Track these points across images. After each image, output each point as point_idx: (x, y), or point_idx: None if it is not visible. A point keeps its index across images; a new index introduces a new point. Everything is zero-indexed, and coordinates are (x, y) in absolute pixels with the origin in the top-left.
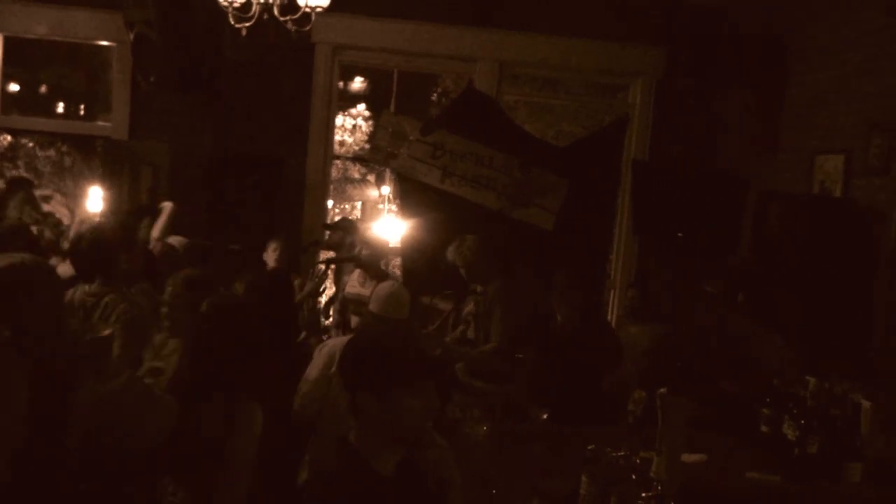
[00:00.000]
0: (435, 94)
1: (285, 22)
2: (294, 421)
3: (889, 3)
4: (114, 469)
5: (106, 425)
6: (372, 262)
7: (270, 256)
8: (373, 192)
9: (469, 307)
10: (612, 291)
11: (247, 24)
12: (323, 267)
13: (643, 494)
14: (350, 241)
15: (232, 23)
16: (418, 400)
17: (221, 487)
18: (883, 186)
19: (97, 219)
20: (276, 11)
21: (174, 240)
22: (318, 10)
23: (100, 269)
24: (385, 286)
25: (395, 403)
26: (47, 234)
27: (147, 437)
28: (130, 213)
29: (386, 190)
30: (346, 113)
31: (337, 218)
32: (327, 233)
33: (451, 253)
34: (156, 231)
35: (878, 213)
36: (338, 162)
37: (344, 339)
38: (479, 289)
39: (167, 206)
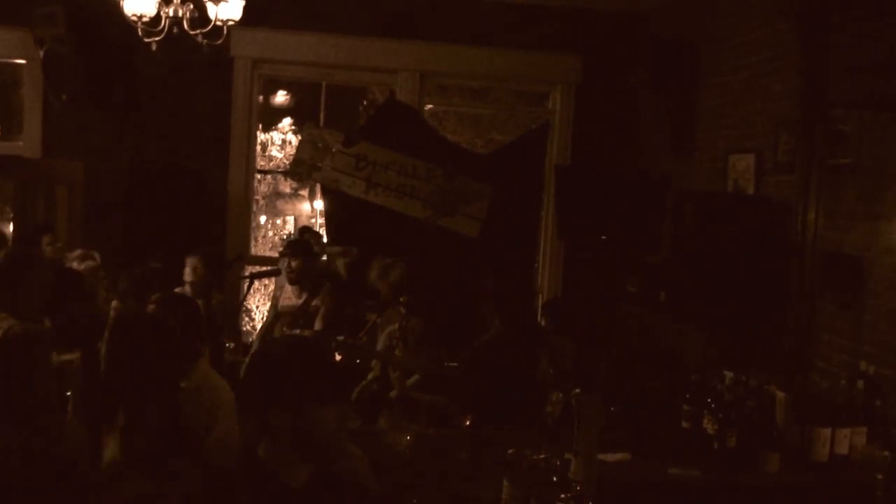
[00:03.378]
0: (363, 106)
1: (196, 36)
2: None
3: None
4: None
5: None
6: (308, 277)
7: (188, 274)
8: (305, 207)
9: (392, 328)
10: (539, 296)
11: (157, 39)
12: (248, 282)
13: (562, 496)
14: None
15: (141, 37)
16: (331, 412)
17: None
18: (791, 182)
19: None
20: (186, 25)
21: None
22: (231, 23)
23: None
24: None
25: (307, 418)
26: None
27: (67, 458)
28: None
29: (319, 204)
30: (273, 128)
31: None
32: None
33: (374, 277)
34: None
35: (787, 208)
36: (268, 177)
37: None
38: (402, 298)
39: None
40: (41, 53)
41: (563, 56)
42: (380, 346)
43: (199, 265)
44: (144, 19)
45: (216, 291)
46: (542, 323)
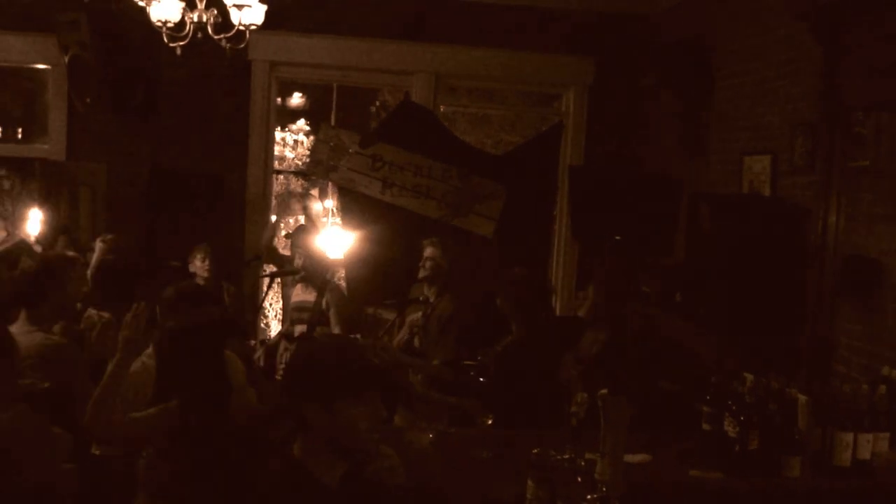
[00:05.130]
0: (374, 108)
1: (220, 40)
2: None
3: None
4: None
5: None
6: (314, 274)
7: (198, 266)
8: (316, 206)
9: (415, 316)
10: (554, 296)
11: (181, 44)
12: (267, 281)
13: (588, 497)
14: None
15: (166, 42)
16: (365, 410)
17: None
18: (808, 184)
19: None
20: (210, 30)
21: None
22: (252, 27)
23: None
24: None
25: (342, 415)
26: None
27: (33, 472)
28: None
29: (329, 203)
30: (286, 129)
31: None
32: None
33: (429, 247)
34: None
35: (805, 210)
36: (280, 176)
37: None
38: (421, 297)
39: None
40: (66, 59)
41: (576, 58)
42: (399, 338)
43: (207, 257)
44: (169, 25)
45: (228, 283)
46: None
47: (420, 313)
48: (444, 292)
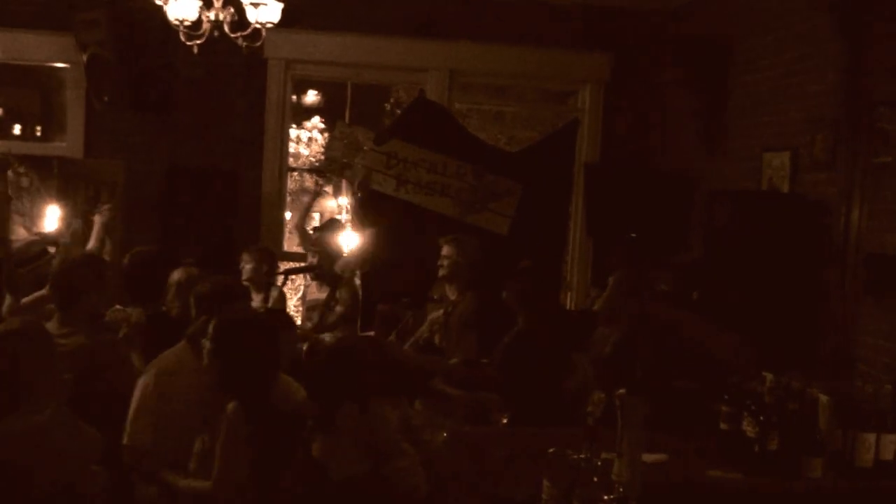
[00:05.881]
0: (388, 105)
1: (236, 38)
2: None
3: None
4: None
5: (22, 461)
6: (329, 271)
7: (246, 270)
8: (330, 203)
9: (437, 314)
10: (569, 292)
11: (198, 42)
12: (282, 278)
13: (605, 497)
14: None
15: (183, 41)
16: (395, 410)
17: None
18: (829, 181)
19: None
20: (226, 28)
21: None
22: (269, 25)
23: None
24: None
25: (375, 414)
26: None
27: (64, 474)
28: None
29: (343, 200)
30: (300, 126)
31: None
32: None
33: (445, 245)
34: (92, 242)
35: (825, 206)
36: (294, 174)
37: None
38: (436, 296)
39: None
40: (84, 58)
41: (592, 54)
42: (418, 335)
43: (256, 261)
44: (186, 23)
45: (273, 286)
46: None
47: (441, 311)
48: (465, 291)
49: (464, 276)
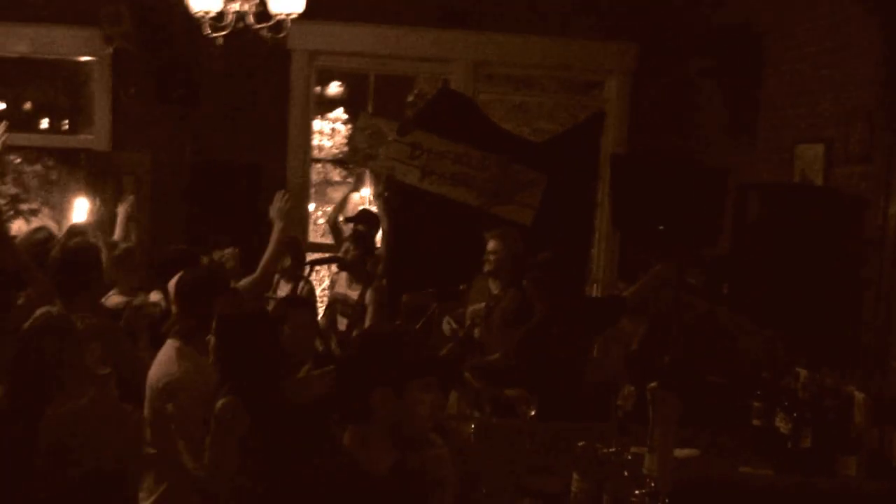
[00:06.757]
0: (411, 97)
1: (260, 30)
2: None
3: None
4: (80, 487)
5: (70, 443)
6: (357, 264)
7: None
8: (354, 195)
9: (477, 307)
10: (595, 285)
11: (222, 34)
12: (308, 269)
13: (636, 492)
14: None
15: (208, 32)
16: (428, 396)
17: None
18: (865, 174)
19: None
20: (251, 20)
21: None
22: (293, 16)
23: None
24: None
25: (409, 399)
26: None
27: (111, 454)
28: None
29: (367, 191)
30: (324, 117)
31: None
32: (350, 226)
33: (491, 240)
34: (117, 233)
35: (861, 200)
36: (318, 165)
37: None
38: (462, 287)
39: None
40: (110, 51)
41: (618, 43)
42: (448, 332)
43: (287, 252)
44: (210, 15)
45: (303, 280)
46: None
47: (483, 304)
48: (509, 286)
49: (507, 270)
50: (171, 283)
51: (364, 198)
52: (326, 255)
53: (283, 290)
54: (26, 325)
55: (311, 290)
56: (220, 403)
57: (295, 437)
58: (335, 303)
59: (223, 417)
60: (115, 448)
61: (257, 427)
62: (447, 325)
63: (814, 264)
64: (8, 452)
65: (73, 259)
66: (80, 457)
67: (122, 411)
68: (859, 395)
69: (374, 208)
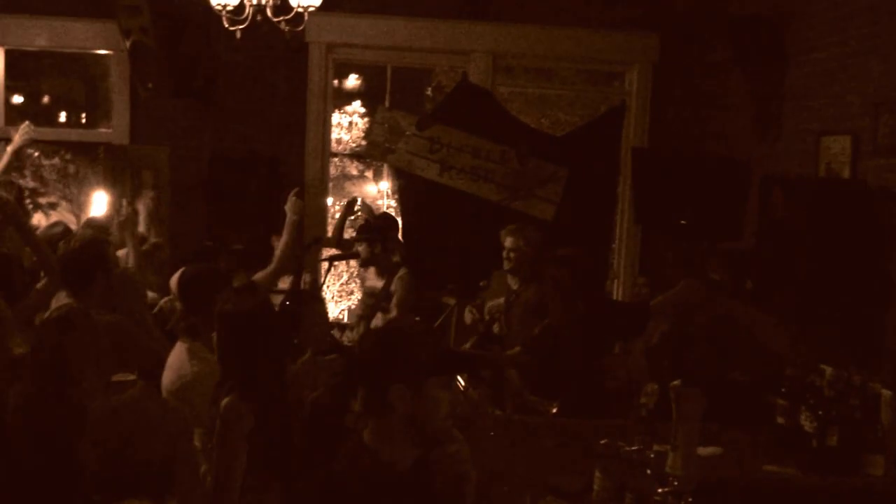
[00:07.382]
0: (429, 90)
1: (279, 23)
2: None
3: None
4: (126, 480)
5: (118, 436)
6: (382, 258)
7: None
8: (371, 189)
9: (497, 302)
10: (616, 281)
11: (241, 27)
12: (326, 265)
13: (659, 490)
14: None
15: (226, 25)
16: (447, 394)
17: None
18: (893, 167)
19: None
20: (269, 13)
21: None
22: (311, 9)
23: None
24: None
25: (427, 396)
26: None
27: (159, 447)
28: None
29: (384, 185)
30: (341, 111)
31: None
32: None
33: (508, 237)
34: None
35: (890, 193)
36: (335, 159)
37: None
38: (482, 283)
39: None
40: (127, 44)
41: (640, 34)
42: (469, 321)
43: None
44: (229, 8)
45: (305, 272)
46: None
47: (502, 299)
48: (529, 281)
49: (527, 266)
50: (173, 280)
51: (382, 192)
52: (343, 252)
53: (287, 282)
54: (44, 316)
55: (315, 281)
56: (224, 402)
57: (302, 433)
58: (367, 297)
59: (228, 417)
60: (163, 441)
61: (262, 424)
62: (469, 313)
63: (840, 259)
64: (34, 444)
65: (77, 254)
66: (127, 450)
67: (167, 405)
68: (886, 393)
69: (392, 202)
